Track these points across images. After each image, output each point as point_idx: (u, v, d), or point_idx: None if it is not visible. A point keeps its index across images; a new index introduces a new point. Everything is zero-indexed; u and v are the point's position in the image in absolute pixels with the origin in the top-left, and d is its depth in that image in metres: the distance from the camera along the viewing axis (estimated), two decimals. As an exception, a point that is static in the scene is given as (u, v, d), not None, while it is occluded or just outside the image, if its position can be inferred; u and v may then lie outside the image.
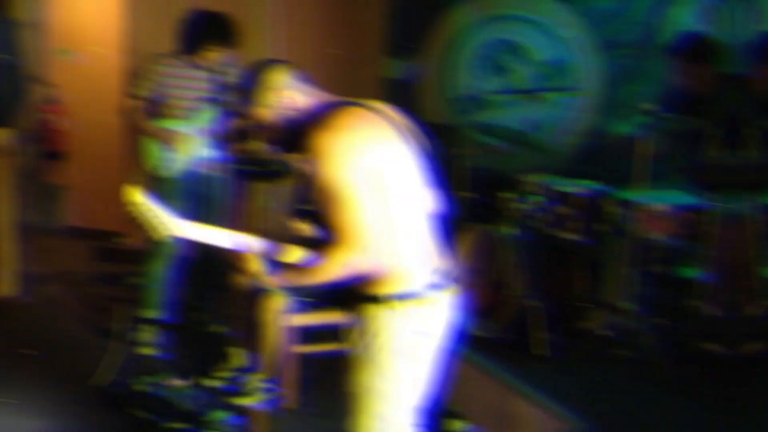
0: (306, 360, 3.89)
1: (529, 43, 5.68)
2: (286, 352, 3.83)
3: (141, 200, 2.32)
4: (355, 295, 2.29)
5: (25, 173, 6.97)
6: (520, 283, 3.90)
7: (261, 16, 6.00)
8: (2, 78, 5.00)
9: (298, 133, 2.24)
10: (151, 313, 4.56)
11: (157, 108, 4.38)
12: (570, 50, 5.52)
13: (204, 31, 4.27)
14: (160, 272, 4.55)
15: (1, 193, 5.34)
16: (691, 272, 3.97)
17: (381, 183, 2.13)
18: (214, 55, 4.29)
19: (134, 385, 3.77)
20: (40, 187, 7.07)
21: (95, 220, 7.01)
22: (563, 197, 4.05)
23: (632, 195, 3.90)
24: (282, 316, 3.78)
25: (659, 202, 3.88)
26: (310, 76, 2.40)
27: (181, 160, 4.39)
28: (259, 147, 6.14)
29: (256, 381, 3.86)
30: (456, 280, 2.40)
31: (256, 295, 3.89)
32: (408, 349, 2.28)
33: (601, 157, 4.70)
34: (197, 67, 4.34)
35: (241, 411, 3.71)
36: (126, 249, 6.38)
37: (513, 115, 5.58)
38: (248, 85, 2.36)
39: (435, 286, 2.29)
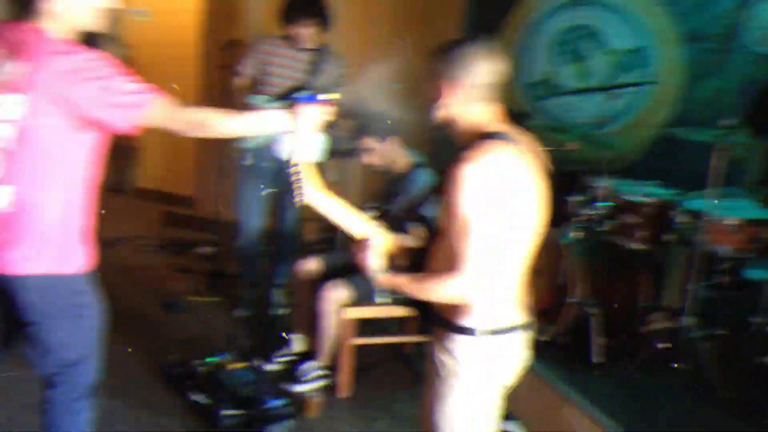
0: (360, 350, 3.95)
1: (609, 30, 5.52)
2: (344, 341, 3.88)
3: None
4: (444, 321, 2.30)
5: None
6: (582, 289, 3.85)
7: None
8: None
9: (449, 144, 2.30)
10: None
11: (256, 86, 4.56)
12: (651, 40, 5.35)
13: (289, 8, 4.45)
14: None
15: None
16: (757, 276, 3.90)
17: (506, 219, 2.16)
18: (306, 33, 4.41)
19: (195, 365, 3.86)
20: (113, 147, 7.22)
21: (167, 183, 7.16)
22: (631, 205, 3.96)
23: (701, 205, 3.80)
24: (342, 307, 3.83)
25: (729, 213, 3.77)
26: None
27: (262, 139, 4.41)
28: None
29: (313, 368, 3.93)
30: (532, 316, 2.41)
31: (319, 283, 3.95)
32: (489, 381, 2.30)
33: (674, 159, 4.56)
34: (298, 49, 4.49)
35: (297, 396, 3.79)
36: (196, 216, 6.50)
37: (588, 105, 5.46)
38: (445, 59, 2.28)
39: (522, 324, 2.33)
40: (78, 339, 2.55)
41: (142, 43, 7.09)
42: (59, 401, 2.58)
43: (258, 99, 4.43)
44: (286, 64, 4.49)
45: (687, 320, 3.79)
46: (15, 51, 2.33)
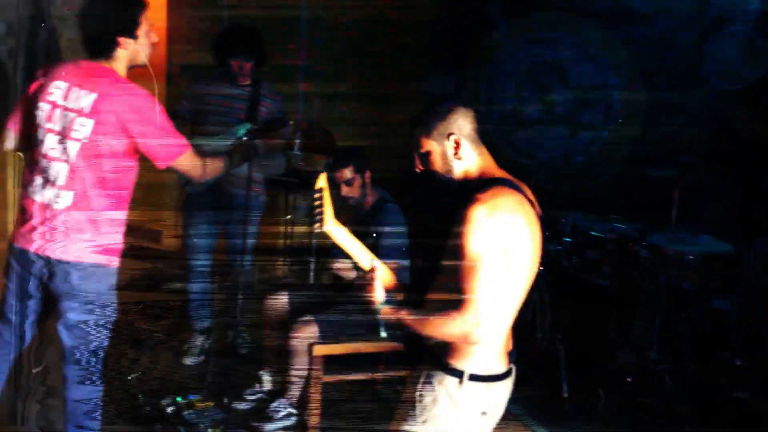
0: (331, 387, 3.94)
1: (572, 66, 5.63)
2: (314, 378, 3.87)
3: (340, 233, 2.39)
4: (436, 359, 2.30)
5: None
6: (546, 324, 3.90)
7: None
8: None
9: (450, 192, 2.37)
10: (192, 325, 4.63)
11: (192, 125, 4.43)
12: (613, 77, 5.47)
13: (228, 43, 4.31)
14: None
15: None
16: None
17: (511, 261, 2.20)
18: (242, 68, 4.30)
19: (164, 405, 3.85)
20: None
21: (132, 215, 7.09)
22: (593, 240, 4.04)
23: (664, 240, 3.87)
24: (311, 344, 3.82)
25: (691, 248, 3.86)
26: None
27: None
28: (315, 161, 6.16)
29: (283, 406, 3.93)
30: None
31: (289, 320, 3.95)
32: (465, 425, 2.30)
33: (636, 194, 4.64)
34: (233, 84, 4.36)
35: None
36: (161, 249, 6.44)
37: (552, 140, 5.55)
38: (429, 118, 2.42)
39: (506, 373, 2.33)
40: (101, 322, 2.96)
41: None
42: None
43: (196, 139, 4.15)
44: (225, 102, 4.34)
45: (654, 354, 3.86)
46: (85, 83, 2.81)
